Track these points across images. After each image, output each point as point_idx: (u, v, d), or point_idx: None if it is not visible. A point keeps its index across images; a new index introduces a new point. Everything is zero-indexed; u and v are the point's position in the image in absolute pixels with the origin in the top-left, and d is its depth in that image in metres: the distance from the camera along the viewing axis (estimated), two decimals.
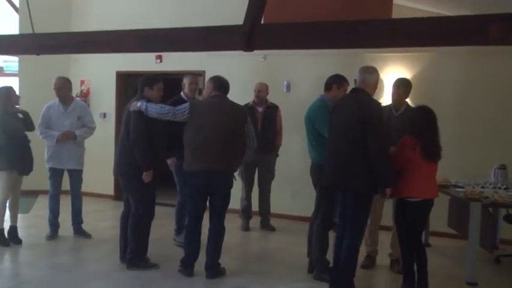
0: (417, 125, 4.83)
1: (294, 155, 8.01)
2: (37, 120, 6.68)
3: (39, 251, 6.34)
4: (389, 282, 5.47)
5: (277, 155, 7.55)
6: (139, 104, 5.30)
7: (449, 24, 3.68)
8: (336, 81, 5.39)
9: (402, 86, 5.76)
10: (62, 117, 6.73)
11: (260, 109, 7.36)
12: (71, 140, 6.70)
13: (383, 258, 5.99)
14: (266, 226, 7.71)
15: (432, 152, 4.79)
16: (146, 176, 5.40)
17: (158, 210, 5.77)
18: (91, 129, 6.93)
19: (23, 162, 6.33)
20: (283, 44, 4.43)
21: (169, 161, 6.15)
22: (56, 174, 6.81)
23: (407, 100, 5.90)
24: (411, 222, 4.92)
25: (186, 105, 5.35)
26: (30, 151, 6.43)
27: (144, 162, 5.38)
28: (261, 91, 7.42)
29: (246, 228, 7.59)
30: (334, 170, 4.83)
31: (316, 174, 5.32)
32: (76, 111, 6.81)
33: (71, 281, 5.28)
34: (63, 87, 6.75)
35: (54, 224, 6.82)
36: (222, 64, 8.00)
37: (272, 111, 7.48)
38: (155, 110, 5.29)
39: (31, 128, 6.57)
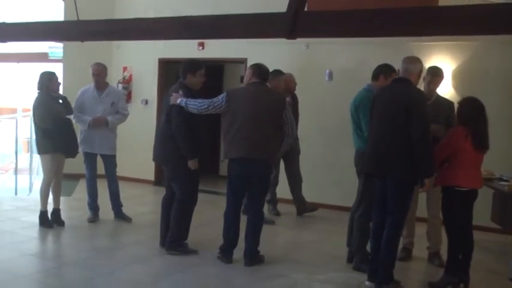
0: (467, 115, 4.79)
1: (335, 143, 7.95)
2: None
3: (80, 233, 6.47)
4: (428, 275, 5.39)
5: (298, 139, 7.37)
6: (178, 100, 5.31)
7: (499, 11, 3.57)
8: (383, 71, 5.32)
9: (440, 76, 5.70)
10: (96, 102, 6.81)
11: (288, 99, 7.32)
12: (103, 125, 6.79)
13: (419, 250, 5.90)
14: (303, 207, 7.71)
15: (483, 141, 4.77)
16: (192, 164, 5.42)
17: (200, 197, 5.80)
18: (124, 116, 7.00)
19: (68, 145, 6.44)
20: (327, 32, 4.37)
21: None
22: (89, 158, 6.92)
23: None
24: (458, 212, 4.86)
25: (223, 94, 5.35)
26: (75, 134, 6.55)
27: (189, 151, 5.40)
28: (292, 81, 7.39)
29: (277, 213, 7.60)
30: (375, 157, 4.79)
31: (360, 163, 5.26)
32: (110, 96, 6.90)
33: (111, 264, 5.36)
34: (102, 73, 6.85)
35: (93, 207, 6.95)
36: (263, 52, 7.97)
37: (296, 100, 7.48)
38: (195, 106, 5.30)
39: (71, 111, 6.67)
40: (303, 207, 7.72)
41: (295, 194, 7.69)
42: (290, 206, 7.83)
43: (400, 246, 5.64)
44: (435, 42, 7.28)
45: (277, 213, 7.64)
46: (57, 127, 6.30)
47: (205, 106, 5.30)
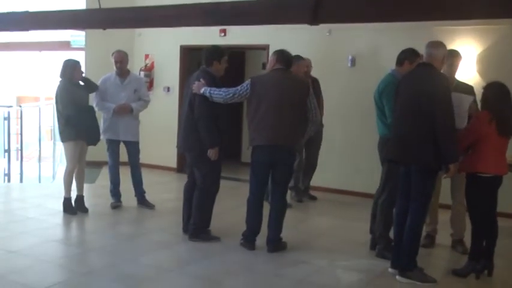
0: (492, 100, 4.73)
1: (358, 130, 7.91)
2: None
3: (104, 219, 6.54)
4: (451, 262, 5.35)
5: (322, 125, 7.44)
6: (202, 90, 5.29)
7: None
8: (408, 57, 5.26)
9: (458, 56, 5.65)
10: (119, 89, 6.84)
11: None
12: (127, 112, 6.81)
13: (443, 237, 5.86)
14: (307, 195, 7.85)
15: (508, 126, 4.71)
16: (212, 154, 5.41)
17: (222, 184, 5.80)
18: (146, 102, 7.04)
19: (90, 132, 6.49)
20: (350, 17, 4.31)
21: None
22: (113, 146, 6.96)
23: None
24: (483, 199, 4.81)
25: (247, 82, 5.33)
26: (97, 122, 6.59)
27: (210, 141, 5.39)
28: (309, 66, 7.36)
29: (300, 199, 7.61)
30: (399, 144, 4.75)
31: (384, 150, 5.22)
32: (132, 84, 6.92)
33: (134, 250, 5.41)
34: (123, 60, 6.86)
35: (116, 194, 7.00)
36: (286, 38, 7.92)
37: (317, 84, 7.39)
38: (220, 96, 5.28)
39: (95, 88, 6.74)
40: (307, 194, 7.84)
41: (307, 181, 7.80)
42: (319, 193, 7.90)
43: (424, 233, 5.62)
44: (459, 26, 7.17)
45: (300, 200, 7.62)
46: (79, 114, 6.34)
47: (231, 95, 5.28)
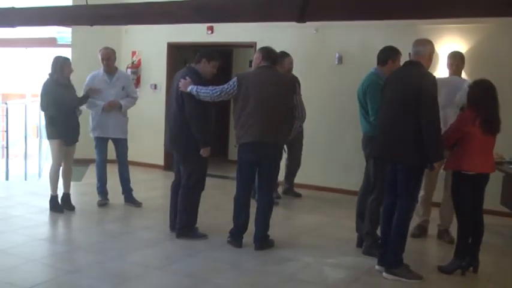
0: (477, 98, 4.77)
1: (344, 127, 7.93)
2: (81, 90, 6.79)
3: (91, 217, 6.52)
4: (437, 258, 5.40)
5: (302, 128, 7.40)
6: (189, 88, 5.29)
7: None
8: (391, 56, 5.30)
9: (460, 58, 5.84)
10: (107, 86, 6.82)
11: None
12: (116, 109, 6.80)
13: (434, 229, 6.03)
14: (292, 193, 7.91)
15: (492, 125, 4.74)
16: (204, 152, 5.43)
17: (209, 181, 5.81)
18: (134, 99, 7.04)
19: (69, 132, 6.44)
20: (337, 15, 4.31)
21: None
22: (101, 143, 6.94)
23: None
24: (467, 196, 4.85)
25: (234, 79, 5.32)
26: (76, 122, 6.54)
27: (203, 139, 5.41)
28: (291, 63, 7.35)
29: (278, 196, 7.59)
30: (385, 142, 4.78)
31: (368, 147, 5.25)
32: (121, 81, 6.92)
33: (121, 248, 5.40)
34: (111, 57, 6.85)
35: (102, 192, 6.98)
36: (273, 36, 7.93)
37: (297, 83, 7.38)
38: (207, 94, 5.28)
39: (83, 102, 6.70)
40: (292, 191, 7.91)
41: (291, 179, 7.88)
42: (304, 190, 7.97)
43: (415, 224, 5.86)
44: (446, 24, 7.21)
45: (278, 196, 7.60)
46: (60, 115, 6.32)
47: (218, 93, 5.28)
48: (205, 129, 5.42)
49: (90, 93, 6.70)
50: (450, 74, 5.97)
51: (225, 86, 5.29)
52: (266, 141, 5.21)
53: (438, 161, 4.65)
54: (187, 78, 5.35)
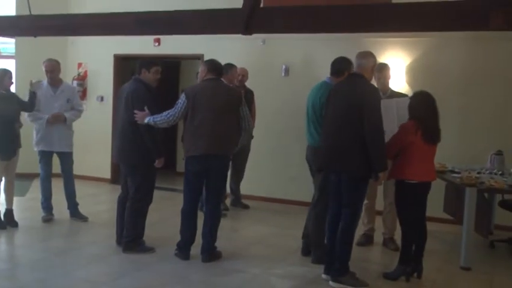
0: (418, 109, 4.91)
1: (290, 139, 8.00)
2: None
3: (35, 233, 6.35)
4: (382, 265, 5.49)
5: (252, 137, 7.40)
6: (146, 120, 5.27)
7: (450, 8, 3.65)
8: (348, 67, 5.24)
9: (385, 68, 5.96)
10: (52, 99, 6.69)
11: None
12: (61, 122, 6.67)
13: (380, 236, 6.19)
14: (240, 204, 7.94)
15: (433, 135, 4.89)
16: (159, 163, 5.44)
17: (157, 194, 5.79)
18: (79, 112, 6.93)
19: (5, 146, 6.26)
20: (282, 28, 4.40)
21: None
22: (46, 157, 6.79)
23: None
24: (411, 204, 4.97)
25: (182, 95, 5.34)
26: (15, 135, 6.35)
27: (158, 149, 5.42)
28: (245, 75, 7.50)
29: (226, 208, 7.61)
30: (329, 152, 4.84)
31: (315, 159, 5.30)
32: (65, 93, 6.80)
33: (66, 264, 5.28)
34: (55, 69, 6.73)
35: (47, 207, 6.81)
36: (220, 48, 7.95)
37: (250, 95, 7.48)
38: (164, 120, 5.29)
39: (30, 108, 6.51)
40: (240, 203, 7.96)
41: (235, 188, 7.93)
42: (251, 201, 7.99)
43: (361, 232, 5.99)
44: (389, 38, 7.39)
45: (226, 208, 7.61)
46: None
47: (173, 116, 5.30)
48: (158, 140, 5.42)
49: (31, 88, 6.49)
50: (382, 85, 5.95)
51: (177, 106, 5.31)
52: (213, 153, 5.22)
53: (382, 171, 4.75)
54: (145, 109, 5.32)
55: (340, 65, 5.34)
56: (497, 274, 5.47)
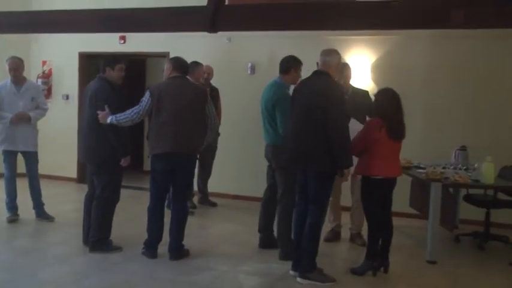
0: (382, 106, 4.98)
1: (257, 137, 7.97)
2: None
3: (0, 234, 6.24)
4: (350, 261, 5.54)
5: (219, 134, 7.47)
6: (109, 119, 5.23)
7: (411, 7, 3.71)
8: (294, 65, 5.45)
9: (346, 68, 6.03)
10: (15, 98, 6.57)
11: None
12: (25, 121, 6.58)
13: (347, 232, 6.27)
14: (207, 202, 7.97)
15: (397, 131, 4.96)
16: (125, 162, 5.41)
17: (124, 193, 5.75)
18: (44, 111, 6.82)
19: None
20: (248, 25, 4.43)
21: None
22: (10, 157, 6.68)
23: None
24: (376, 200, 5.04)
25: (146, 93, 5.31)
26: None
27: (123, 148, 5.38)
28: (210, 73, 7.51)
29: (194, 206, 7.63)
30: (295, 151, 4.85)
31: (275, 156, 5.36)
32: (29, 92, 6.68)
33: (32, 265, 5.21)
34: (19, 67, 6.60)
35: (12, 207, 6.71)
36: (186, 46, 7.92)
37: (215, 93, 7.51)
38: (127, 118, 5.26)
39: None
40: (207, 200, 7.97)
41: (202, 186, 7.93)
42: (219, 199, 8.03)
43: (329, 228, 6.07)
44: (354, 36, 7.46)
45: (194, 206, 7.62)
46: None
47: (136, 114, 5.27)
48: (123, 139, 5.40)
49: None
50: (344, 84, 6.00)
51: (141, 104, 5.28)
52: (179, 151, 5.21)
53: (347, 168, 4.80)
54: (106, 108, 5.27)
55: (287, 63, 5.49)
56: (462, 267, 5.58)
